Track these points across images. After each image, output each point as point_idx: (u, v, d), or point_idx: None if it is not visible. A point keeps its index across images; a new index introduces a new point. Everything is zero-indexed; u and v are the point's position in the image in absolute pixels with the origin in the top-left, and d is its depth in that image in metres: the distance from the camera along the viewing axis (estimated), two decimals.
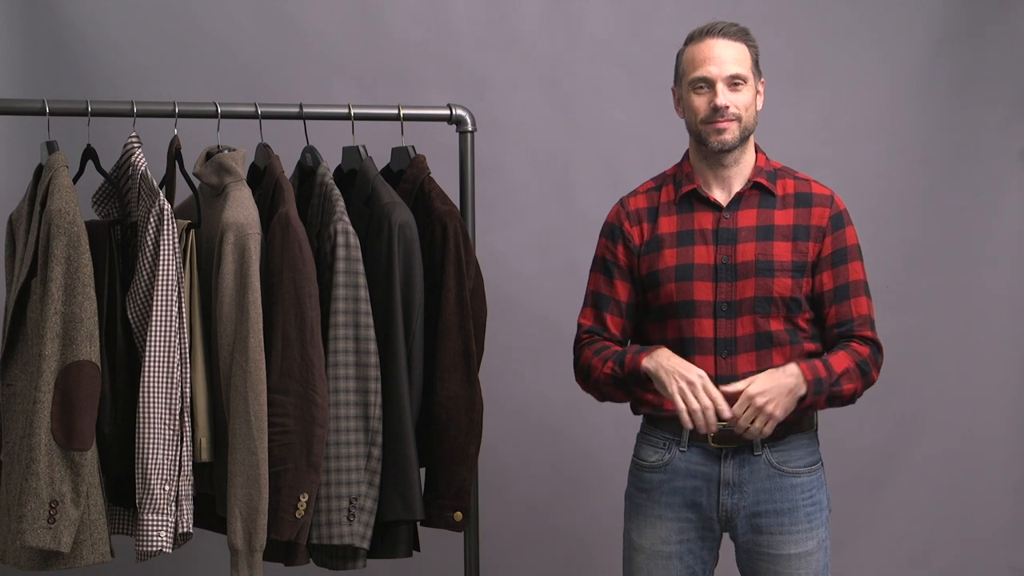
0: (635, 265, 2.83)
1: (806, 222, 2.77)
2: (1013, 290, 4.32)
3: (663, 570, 2.80)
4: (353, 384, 2.82)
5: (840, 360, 2.72)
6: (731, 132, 2.74)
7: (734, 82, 2.73)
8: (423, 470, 2.94)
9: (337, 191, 2.90)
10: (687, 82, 2.77)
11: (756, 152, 2.84)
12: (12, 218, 2.93)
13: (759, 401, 2.63)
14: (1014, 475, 4.35)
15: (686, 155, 2.87)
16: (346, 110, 3.03)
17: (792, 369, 2.68)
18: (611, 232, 2.87)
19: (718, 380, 2.72)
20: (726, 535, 2.84)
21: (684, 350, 2.75)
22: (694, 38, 2.79)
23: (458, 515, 2.92)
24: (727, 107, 2.72)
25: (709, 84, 2.74)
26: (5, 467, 2.80)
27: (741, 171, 2.81)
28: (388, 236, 2.85)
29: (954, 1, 4.22)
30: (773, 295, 2.73)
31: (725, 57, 2.73)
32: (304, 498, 2.76)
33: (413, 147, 3.06)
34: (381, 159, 3.07)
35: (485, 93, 3.88)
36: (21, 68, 3.73)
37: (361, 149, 3.03)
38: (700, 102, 2.75)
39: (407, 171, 3.03)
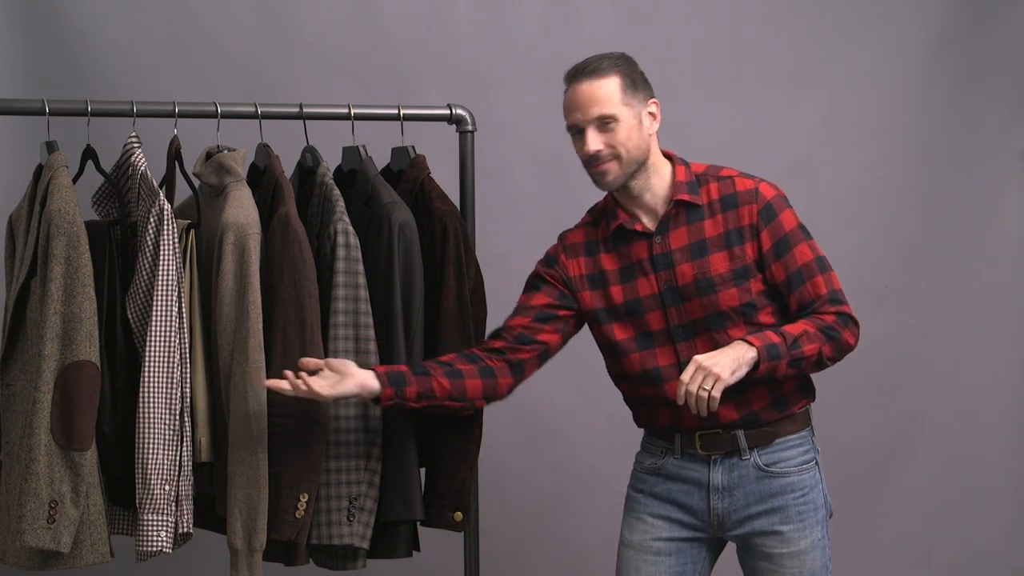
0: (567, 290, 2.82)
1: (736, 224, 2.73)
2: (1013, 290, 4.32)
3: (651, 566, 2.80)
4: None
5: (797, 326, 2.68)
6: (612, 172, 2.71)
7: (603, 122, 2.69)
8: (423, 470, 2.94)
9: (337, 191, 2.90)
10: (566, 128, 2.75)
11: (673, 165, 2.79)
12: (12, 218, 2.93)
13: (705, 362, 2.59)
14: (1014, 475, 4.35)
15: None
16: (346, 110, 3.03)
17: (737, 342, 2.65)
18: (547, 260, 2.87)
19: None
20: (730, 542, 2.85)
21: (652, 381, 2.75)
22: (565, 82, 2.75)
23: (458, 515, 2.92)
24: (599, 151, 2.69)
25: (579, 131, 2.71)
26: (5, 467, 2.80)
27: (656, 193, 2.77)
28: (388, 236, 2.85)
29: (954, 1, 4.22)
30: (722, 309, 2.71)
31: (588, 100, 2.69)
32: (304, 498, 2.75)
33: (413, 147, 3.06)
34: (381, 159, 3.07)
35: (485, 93, 3.88)
36: (21, 68, 3.73)
37: (361, 149, 3.03)
38: (578, 147, 2.73)
39: (407, 171, 3.03)
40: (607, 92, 2.70)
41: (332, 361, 2.70)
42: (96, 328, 2.70)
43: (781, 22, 4.16)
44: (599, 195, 2.87)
